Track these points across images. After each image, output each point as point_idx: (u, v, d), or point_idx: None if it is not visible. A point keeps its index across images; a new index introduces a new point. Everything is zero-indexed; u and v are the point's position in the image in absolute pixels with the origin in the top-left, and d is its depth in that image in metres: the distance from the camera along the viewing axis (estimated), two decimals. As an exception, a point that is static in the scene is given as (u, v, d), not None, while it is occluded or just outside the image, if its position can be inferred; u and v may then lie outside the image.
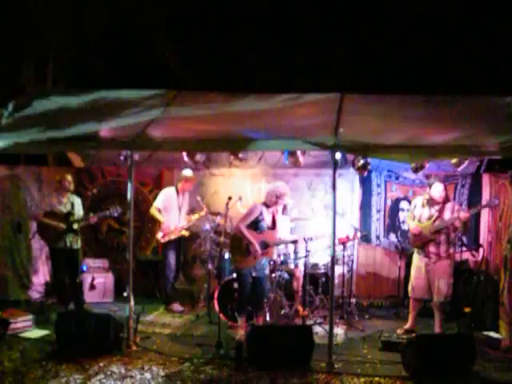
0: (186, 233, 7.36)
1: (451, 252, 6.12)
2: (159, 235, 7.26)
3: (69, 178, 6.91)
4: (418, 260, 6.24)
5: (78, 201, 7.04)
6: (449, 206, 6.15)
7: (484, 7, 10.26)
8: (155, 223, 7.72)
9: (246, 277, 6.13)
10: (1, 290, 7.14)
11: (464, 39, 10.44)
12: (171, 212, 7.27)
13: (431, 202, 6.17)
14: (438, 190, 6.13)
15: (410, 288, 6.32)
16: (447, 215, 6.07)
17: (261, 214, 6.13)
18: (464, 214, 6.00)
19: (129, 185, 5.69)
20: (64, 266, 6.97)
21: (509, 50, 9.89)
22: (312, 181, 8.04)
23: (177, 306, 7.29)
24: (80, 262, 7.08)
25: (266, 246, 6.12)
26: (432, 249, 6.09)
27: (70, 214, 6.82)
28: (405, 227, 7.62)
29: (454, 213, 6.08)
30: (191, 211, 7.49)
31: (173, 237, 7.23)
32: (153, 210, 7.28)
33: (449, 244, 6.09)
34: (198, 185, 8.21)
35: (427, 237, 6.09)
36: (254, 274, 6.16)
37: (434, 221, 6.09)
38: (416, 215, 6.28)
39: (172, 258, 7.32)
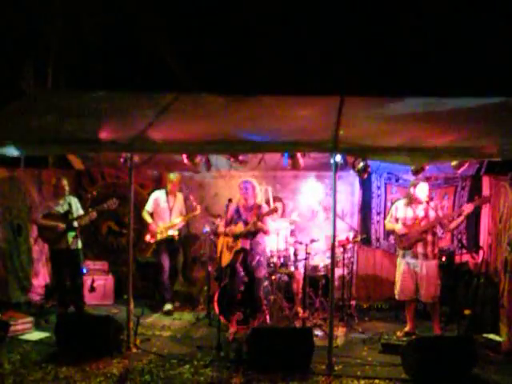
0: (174, 233, 7.35)
1: (436, 252, 6.15)
2: (147, 237, 7.34)
3: (64, 182, 6.92)
4: (403, 262, 6.22)
5: (74, 200, 7.06)
6: (432, 205, 6.18)
7: (484, 7, 10.26)
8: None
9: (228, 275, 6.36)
10: (1, 293, 7.13)
11: (464, 39, 10.44)
12: (162, 214, 7.37)
13: (415, 202, 6.18)
14: (423, 190, 6.13)
15: (396, 291, 6.29)
16: (432, 215, 6.10)
17: (236, 212, 6.41)
18: (468, 206, 6.06)
19: (129, 187, 5.70)
20: (65, 267, 6.99)
21: (509, 51, 9.89)
22: (312, 183, 8.04)
23: (167, 306, 7.31)
24: (81, 262, 7.07)
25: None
26: (420, 249, 6.10)
27: (69, 212, 6.83)
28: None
29: (438, 211, 6.13)
30: (188, 212, 7.51)
31: (159, 237, 7.27)
32: (144, 214, 7.43)
33: (434, 244, 6.11)
34: (198, 187, 8.23)
35: (415, 237, 6.10)
36: (242, 274, 6.26)
37: (421, 221, 6.11)
38: (400, 217, 6.27)
39: (165, 260, 7.37)
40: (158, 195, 7.46)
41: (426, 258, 6.07)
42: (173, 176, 7.45)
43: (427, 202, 6.13)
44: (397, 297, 6.32)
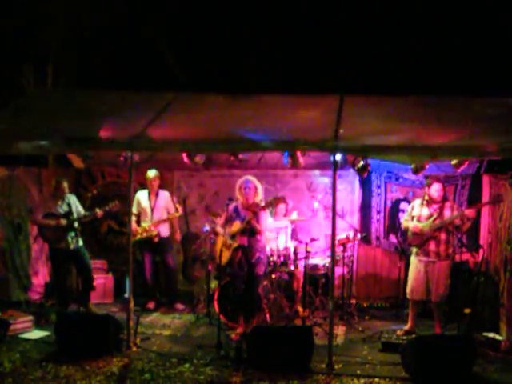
0: (154, 232, 7.31)
1: (450, 252, 6.15)
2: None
3: (64, 184, 6.92)
4: (416, 261, 6.25)
5: (73, 198, 7.05)
6: (448, 204, 6.21)
7: (484, 7, 10.26)
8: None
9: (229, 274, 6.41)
10: (1, 291, 7.14)
11: (464, 39, 10.44)
12: (144, 214, 7.38)
13: (430, 201, 6.21)
14: (436, 189, 6.17)
15: (408, 290, 6.32)
16: (447, 214, 6.12)
17: (234, 211, 6.35)
18: (470, 211, 6.09)
19: (129, 186, 5.70)
20: (66, 266, 6.99)
21: (508, 50, 9.89)
22: (312, 182, 8.05)
23: (150, 303, 7.40)
24: (87, 259, 7.07)
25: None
26: (432, 247, 6.11)
27: (69, 213, 6.84)
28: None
29: (454, 211, 6.14)
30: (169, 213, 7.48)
31: (139, 237, 7.26)
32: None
33: (448, 243, 6.12)
34: (198, 186, 8.24)
35: (428, 234, 6.12)
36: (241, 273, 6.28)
37: (435, 220, 6.12)
38: (415, 215, 6.31)
39: (147, 260, 7.44)
40: (140, 195, 7.45)
41: (439, 257, 6.08)
42: (147, 174, 7.40)
43: (442, 201, 6.17)
44: (408, 296, 6.32)
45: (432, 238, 6.11)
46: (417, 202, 6.43)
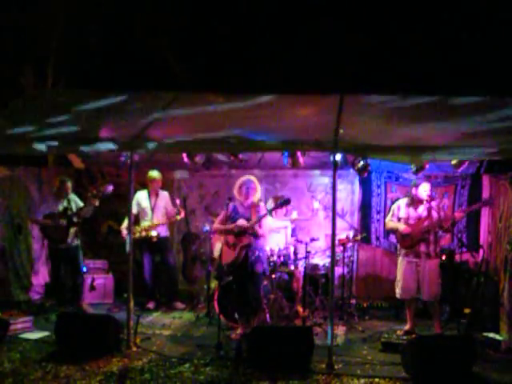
0: (153, 234, 7.32)
1: (438, 251, 6.18)
2: (124, 234, 7.26)
3: (68, 184, 6.95)
4: (405, 261, 6.22)
5: (73, 197, 7.10)
6: (434, 204, 6.17)
7: (484, 8, 10.26)
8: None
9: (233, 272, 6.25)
10: (1, 291, 7.14)
11: (464, 38, 10.44)
12: (144, 214, 7.41)
13: (417, 201, 6.19)
14: (424, 189, 6.15)
15: (398, 290, 6.28)
16: (435, 214, 6.11)
17: (233, 210, 6.19)
18: (459, 214, 6.18)
19: (129, 186, 5.70)
20: (63, 265, 7.00)
21: (508, 50, 9.89)
22: (312, 182, 8.05)
23: (150, 303, 7.43)
24: (80, 258, 7.08)
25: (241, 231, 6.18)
26: (422, 248, 6.11)
27: (68, 209, 6.85)
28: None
29: (441, 211, 6.15)
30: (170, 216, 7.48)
31: (138, 235, 7.25)
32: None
33: (436, 243, 6.14)
34: (198, 186, 8.25)
35: (418, 236, 6.11)
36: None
37: (424, 220, 6.11)
38: (402, 216, 6.28)
39: (146, 259, 7.46)
40: (139, 195, 7.46)
41: (429, 257, 6.09)
42: (151, 174, 7.41)
43: (429, 202, 6.14)
44: (398, 296, 6.32)
45: (422, 239, 6.11)
46: (402, 202, 6.39)
